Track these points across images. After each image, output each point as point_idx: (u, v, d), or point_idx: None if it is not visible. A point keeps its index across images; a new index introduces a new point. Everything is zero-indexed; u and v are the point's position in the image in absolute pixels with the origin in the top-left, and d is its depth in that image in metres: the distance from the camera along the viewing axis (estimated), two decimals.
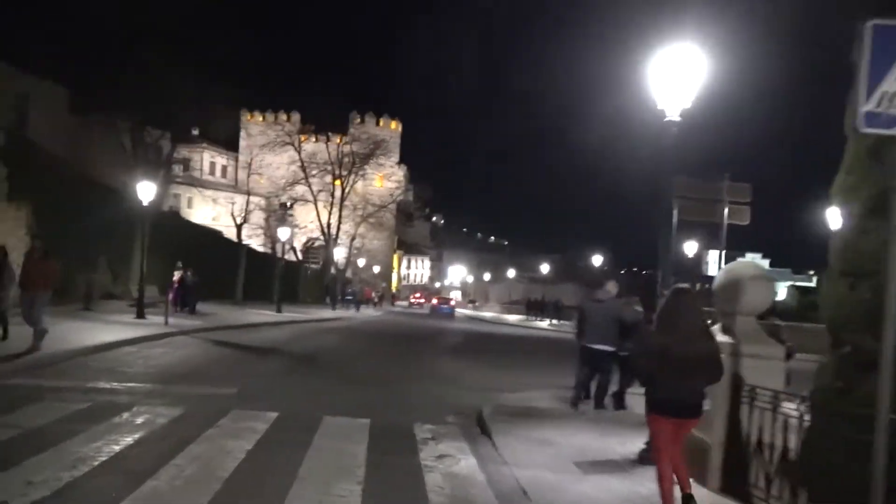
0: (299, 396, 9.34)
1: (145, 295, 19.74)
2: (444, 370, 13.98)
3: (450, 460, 6.41)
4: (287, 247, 44.42)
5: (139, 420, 7.00)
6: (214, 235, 42.01)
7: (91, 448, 5.76)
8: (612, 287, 9.67)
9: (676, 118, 6.35)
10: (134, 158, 25.49)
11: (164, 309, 18.36)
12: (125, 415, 7.19)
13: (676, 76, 6.22)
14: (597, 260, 45.04)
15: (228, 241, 39.00)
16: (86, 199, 24.23)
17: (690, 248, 30.75)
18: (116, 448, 5.85)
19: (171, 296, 20.82)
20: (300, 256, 45.68)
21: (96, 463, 5.38)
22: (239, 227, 36.33)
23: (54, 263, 11.69)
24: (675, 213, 12.69)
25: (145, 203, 18.72)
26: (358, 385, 10.92)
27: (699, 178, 12.50)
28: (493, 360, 17.66)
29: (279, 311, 27.92)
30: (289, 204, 47.49)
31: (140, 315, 18.36)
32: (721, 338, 5.63)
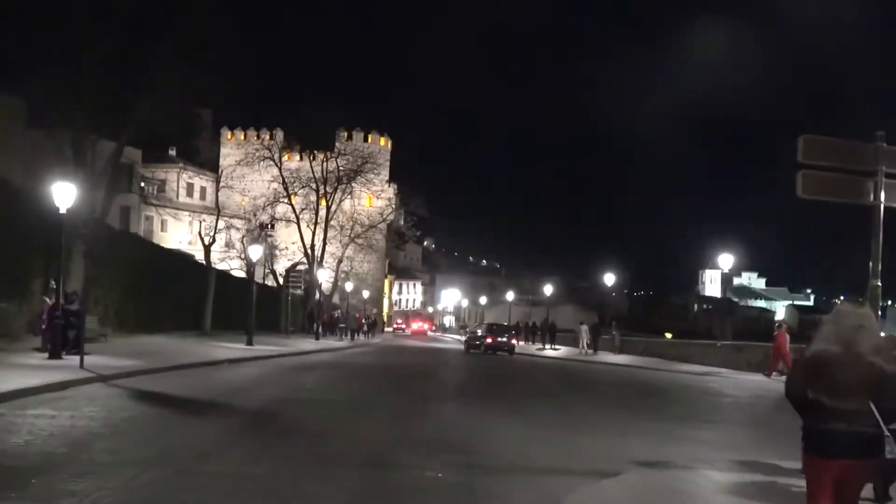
0: None
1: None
2: (458, 431, 9.57)
3: None
4: (266, 270, 40.23)
5: None
6: (185, 259, 37.78)
7: None
8: None
9: None
10: (74, 169, 21.23)
11: (80, 349, 13.86)
12: None
13: None
14: (609, 279, 40.84)
15: (201, 265, 34.82)
16: (22, 217, 20.13)
17: (725, 262, 26.49)
18: None
19: (43, 327, 15.87)
20: (281, 281, 41.34)
21: None
22: (207, 248, 32.01)
23: None
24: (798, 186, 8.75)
25: (63, 210, 14.49)
26: (326, 481, 6.66)
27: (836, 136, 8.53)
28: (519, 404, 13.29)
29: (250, 343, 23.59)
30: (269, 224, 43.47)
31: (54, 355, 14.05)
32: None
